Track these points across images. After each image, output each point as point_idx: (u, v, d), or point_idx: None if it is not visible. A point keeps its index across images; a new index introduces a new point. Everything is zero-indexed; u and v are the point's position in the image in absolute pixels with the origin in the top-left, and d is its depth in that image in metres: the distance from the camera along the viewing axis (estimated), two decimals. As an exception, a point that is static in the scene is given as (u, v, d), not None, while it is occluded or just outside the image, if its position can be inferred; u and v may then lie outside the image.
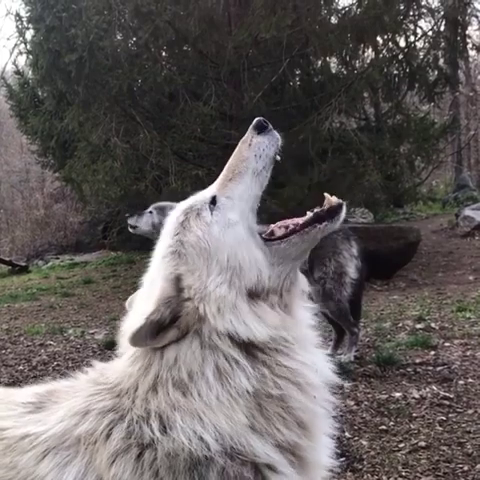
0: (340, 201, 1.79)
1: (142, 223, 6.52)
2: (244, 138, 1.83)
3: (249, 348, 1.62)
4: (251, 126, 1.82)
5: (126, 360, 1.72)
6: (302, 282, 1.84)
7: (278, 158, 1.82)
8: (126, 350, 1.74)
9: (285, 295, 1.73)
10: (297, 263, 1.79)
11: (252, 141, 1.81)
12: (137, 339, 1.61)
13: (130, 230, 6.76)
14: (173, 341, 1.63)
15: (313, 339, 1.77)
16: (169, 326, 1.63)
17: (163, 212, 5.92)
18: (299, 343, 1.69)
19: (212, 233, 1.70)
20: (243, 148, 1.82)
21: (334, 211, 1.77)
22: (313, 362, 1.70)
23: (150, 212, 6.50)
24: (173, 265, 1.71)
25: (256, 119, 1.83)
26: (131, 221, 6.64)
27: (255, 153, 1.79)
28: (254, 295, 1.67)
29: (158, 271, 1.74)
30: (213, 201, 1.75)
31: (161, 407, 1.60)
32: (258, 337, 1.61)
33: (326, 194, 1.80)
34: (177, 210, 1.82)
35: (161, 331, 1.62)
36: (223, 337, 1.61)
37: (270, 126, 1.82)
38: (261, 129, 1.81)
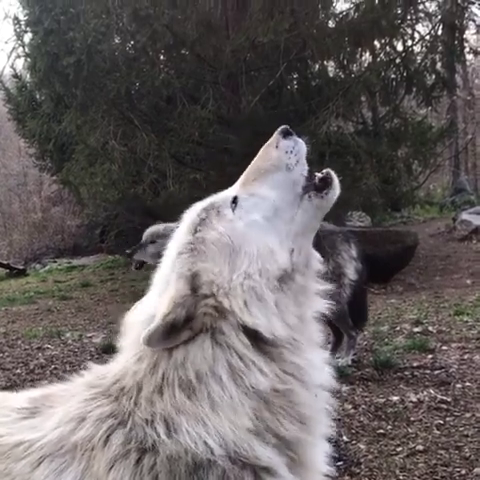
0: (327, 170, 1.84)
1: (148, 256, 6.19)
2: (269, 142, 1.85)
3: (262, 344, 1.62)
4: (276, 132, 1.84)
5: (130, 358, 1.69)
6: (316, 261, 1.85)
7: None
8: (128, 347, 1.72)
9: (304, 276, 1.75)
10: (311, 238, 1.82)
11: (279, 143, 1.83)
12: (152, 340, 1.59)
13: (134, 269, 6.42)
14: (184, 341, 1.61)
15: (318, 338, 1.79)
16: (183, 327, 1.61)
17: (159, 237, 5.76)
18: (307, 341, 1.71)
19: (236, 228, 1.70)
20: (270, 150, 1.83)
21: (326, 179, 1.82)
22: (317, 361, 1.72)
23: (152, 242, 6.16)
24: (191, 262, 1.68)
25: (282, 126, 1.86)
26: (137, 257, 6.35)
27: (286, 150, 1.81)
28: (283, 279, 1.68)
29: (172, 268, 1.72)
30: (234, 200, 1.76)
31: (167, 409, 1.58)
32: (278, 334, 1.62)
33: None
34: (197, 208, 1.82)
35: (174, 331, 1.60)
36: (241, 334, 1.60)
37: (295, 134, 1.85)
38: (287, 134, 1.84)
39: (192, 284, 1.66)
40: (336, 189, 1.82)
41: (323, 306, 1.83)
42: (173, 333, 1.60)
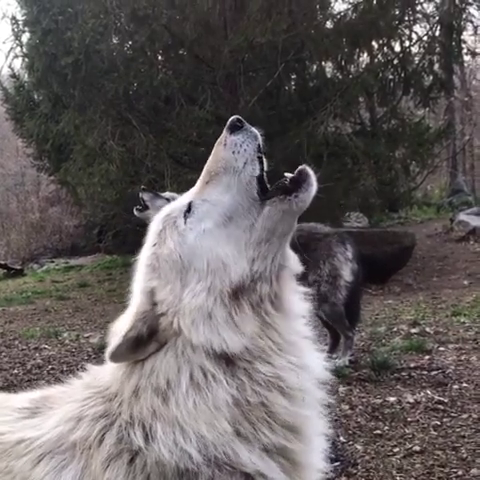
0: (301, 167, 1.67)
1: (155, 206, 5.69)
2: (219, 139, 1.73)
3: (227, 358, 1.60)
4: (225, 126, 1.71)
5: (114, 365, 1.73)
6: (293, 264, 1.76)
7: (260, 154, 1.69)
8: None
9: (274, 283, 1.66)
10: (283, 242, 1.68)
11: (227, 141, 1.70)
12: (116, 356, 1.64)
13: (136, 212, 5.98)
14: (153, 352, 1.64)
15: (304, 334, 1.73)
16: (148, 340, 1.64)
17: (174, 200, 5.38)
18: (283, 346, 1.65)
19: (186, 243, 1.66)
20: (219, 149, 1.72)
21: (298, 179, 1.66)
22: (299, 364, 1.65)
23: (167, 199, 5.62)
24: (148, 279, 1.70)
25: (230, 119, 1.72)
26: (146, 197, 5.90)
27: (233, 150, 1.68)
28: (239, 291, 1.62)
29: (138, 283, 1.75)
30: (189, 208, 1.70)
31: (143, 413, 1.60)
32: (232, 348, 1.59)
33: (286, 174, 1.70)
34: (158, 217, 1.79)
35: (140, 345, 1.63)
36: (198, 350, 1.60)
37: (246, 124, 1.70)
38: (234, 128, 1.70)
39: (152, 300, 1.68)
40: (309, 190, 1.66)
41: (303, 308, 1.75)
42: (140, 346, 1.63)
